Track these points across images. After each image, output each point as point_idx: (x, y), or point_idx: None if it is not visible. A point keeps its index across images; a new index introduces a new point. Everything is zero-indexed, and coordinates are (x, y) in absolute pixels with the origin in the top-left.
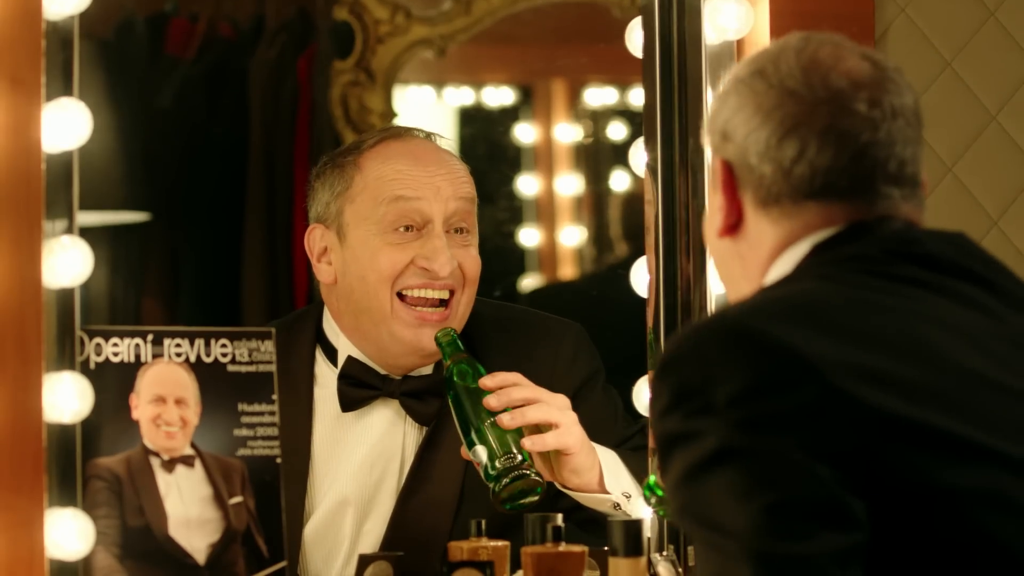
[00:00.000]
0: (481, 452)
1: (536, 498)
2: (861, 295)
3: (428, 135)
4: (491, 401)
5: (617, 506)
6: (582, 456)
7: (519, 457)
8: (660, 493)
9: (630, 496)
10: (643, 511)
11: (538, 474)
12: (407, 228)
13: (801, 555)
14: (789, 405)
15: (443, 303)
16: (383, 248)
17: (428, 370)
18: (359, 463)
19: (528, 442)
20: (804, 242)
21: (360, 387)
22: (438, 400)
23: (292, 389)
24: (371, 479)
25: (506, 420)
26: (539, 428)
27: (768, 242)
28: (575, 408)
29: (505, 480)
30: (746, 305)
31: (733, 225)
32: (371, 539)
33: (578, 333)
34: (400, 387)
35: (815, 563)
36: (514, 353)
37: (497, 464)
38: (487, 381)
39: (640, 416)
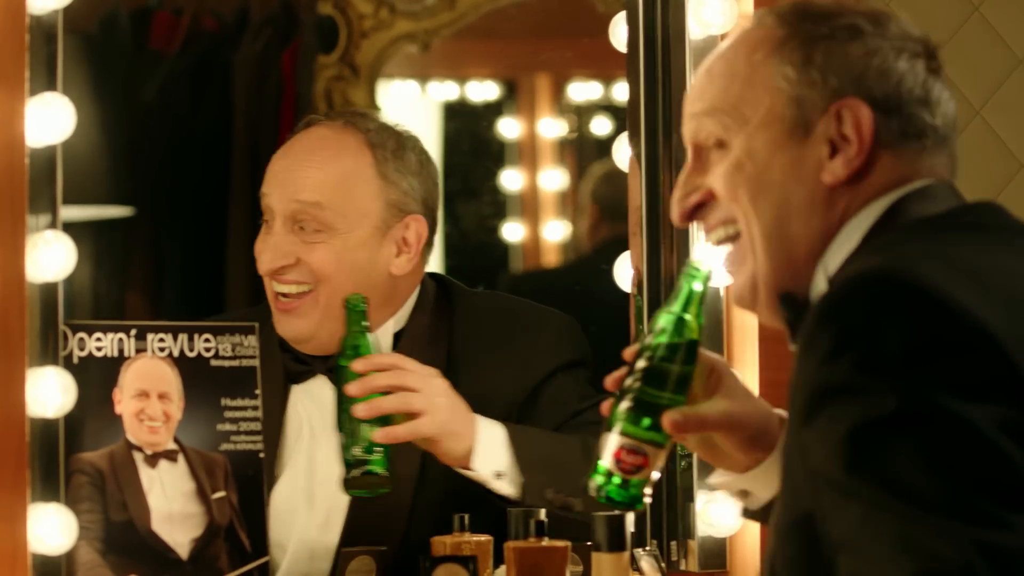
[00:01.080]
0: (340, 437)
1: (385, 491)
2: (1005, 260)
3: (348, 122)
4: (351, 388)
5: (499, 475)
6: (447, 443)
7: (363, 452)
8: (612, 480)
9: (501, 475)
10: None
11: (386, 468)
12: (265, 222)
13: (1002, 544)
14: (975, 375)
15: (303, 295)
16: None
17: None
18: (309, 435)
19: (378, 434)
20: (888, 196)
21: (297, 361)
22: None
23: (270, 378)
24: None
25: (360, 411)
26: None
27: (875, 187)
28: (540, 392)
29: (354, 472)
30: (910, 257)
31: (857, 170)
32: (331, 507)
33: (568, 324)
34: (325, 364)
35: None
36: (494, 337)
37: (347, 455)
38: (358, 364)
39: None
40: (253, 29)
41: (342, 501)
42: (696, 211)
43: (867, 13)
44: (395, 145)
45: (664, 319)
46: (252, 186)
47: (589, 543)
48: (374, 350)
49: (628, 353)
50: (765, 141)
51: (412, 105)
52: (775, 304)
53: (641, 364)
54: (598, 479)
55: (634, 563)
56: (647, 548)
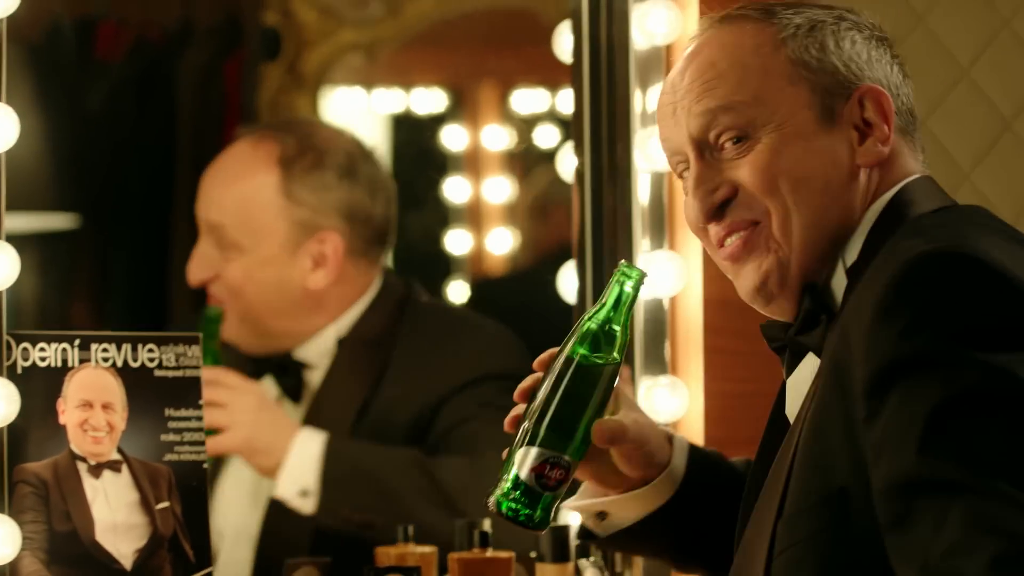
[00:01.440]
0: None
1: None
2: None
3: (268, 136)
4: None
5: (304, 493)
6: (253, 459)
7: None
8: (528, 496)
9: (306, 493)
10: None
11: None
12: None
13: None
14: None
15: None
16: None
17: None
18: None
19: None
20: (895, 188)
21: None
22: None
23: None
24: None
25: None
26: None
27: (896, 172)
28: (457, 396)
29: None
30: (963, 239)
31: (886, 154)
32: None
33: (497, 336)
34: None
35: None
36: (430, 345)
37: None
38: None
39: None
40: (197, 39)
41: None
42: (723, 205)
43: (828, 5)
44: (312, 161)
45: (590, 328)
46: (195, 196)
47: (533, 554)
48: (219, 362)
49: (542, 363)
50: (797, 130)
51: (357, 114)
52: (797, 293)
53: (563, 375)
54: (511, 494)
55: (578, 574)
56: (591, 559)
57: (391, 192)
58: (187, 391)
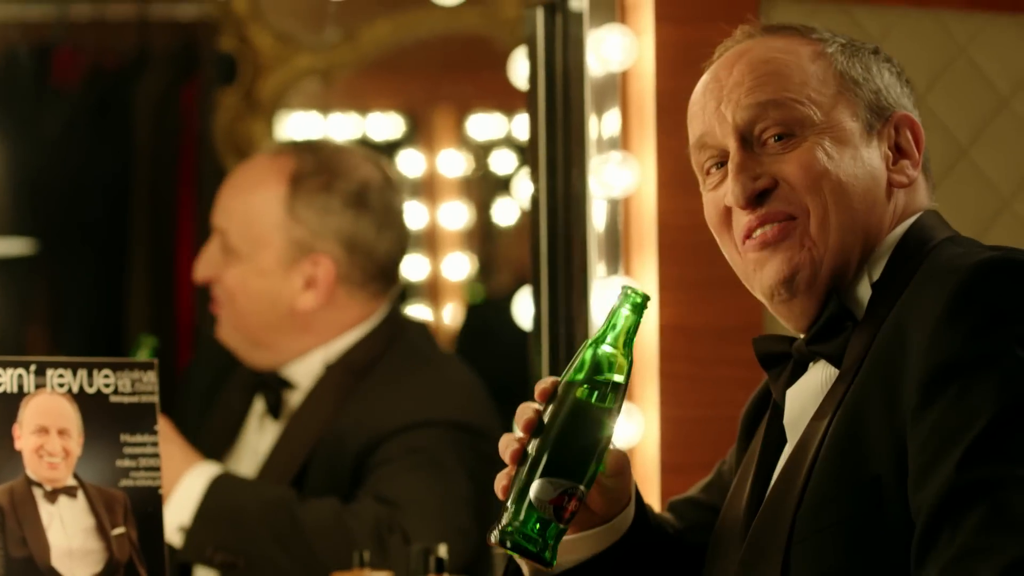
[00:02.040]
0: None
1: None
2: None
3: (287, 151)
4: None
5: (182, 528)
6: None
7: None
8: (543, 528)
9: (183, 528)
10: None
11: None
12: None
13: None
14: None
15: (223, 309)
16: None
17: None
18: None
19: None
20: (914, 216)
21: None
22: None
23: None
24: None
25: None
26: None
27: (917, 200)
28: (397, 436)
29: None
30: (1009, 250)
31: (915, 180)
32: None
33: (458, 384)
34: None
35: None
36: (391, 383)
37: None
38: None
39: None
40: (153, 65)
41: None
42: (760, 196)
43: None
44: (322, 183)
45: (596, 353)
46: (152, 221)
47: None
48: None
49: (544, 392)
50: (844, 137)
51: (313, 139)
52: (821, 297)
53: (576, 403)
54: (526, 527)
55: None
56: None
57: (403, 231)
58: (142, 417)
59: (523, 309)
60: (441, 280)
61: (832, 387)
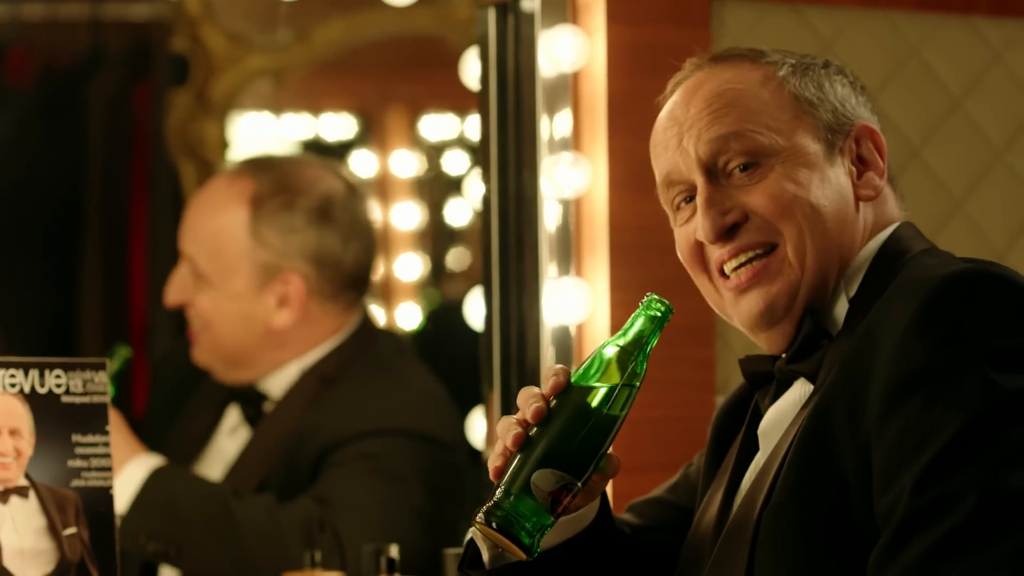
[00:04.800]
0: None
1: None
2: None
3: (245, 172)
4: None
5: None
6: None
7: None
8: (535, 520)
9: (120, 517)
10: None
11: None
12: None
13: None
14: None
15: (200, 332)
16: None
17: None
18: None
19: None
20: (888, 228)
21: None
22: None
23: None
24: None
25: None
26: None
27: (888, 212)
28: (354, 442)
29: None
30: (987, 264)
31: (882, 190)
32: None
33: (419, 395)
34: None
35: None
36: (357, 389)
37: None
38: None
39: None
40: (106, 66)
41: None
42: (731, 229)
43: (806, 53)
44: (283, 202)
45: (616, 355)
46: (105, 222)
47: None
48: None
49: (557, 386)
50: (807, 160)
51: (266, 140)
52: (798, 319)
53: (592, 401)
54: (519, 514)
55: None
56: None
57: (370, 239)
58: (94, 417)
59: (474, 309)
60: (394, 280)
61: (807, 400)
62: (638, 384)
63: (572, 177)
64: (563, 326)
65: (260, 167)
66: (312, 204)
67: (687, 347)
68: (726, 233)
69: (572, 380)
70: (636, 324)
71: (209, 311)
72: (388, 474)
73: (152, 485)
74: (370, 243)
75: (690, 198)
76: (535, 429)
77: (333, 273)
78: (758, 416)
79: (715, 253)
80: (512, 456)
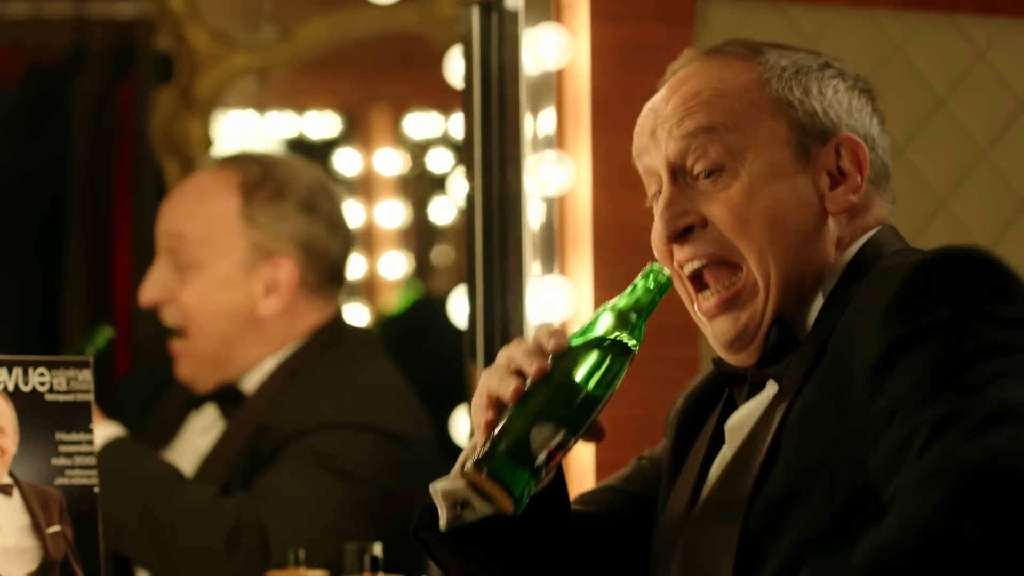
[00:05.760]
0: None
1: None
2: None
3: (228, 165)
4: None
5: None
6: None
7: None
8: (530, 473)
9: None
10: None
11: None
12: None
13: None
14: None
15: (181, 343)
16: None
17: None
18: None
19: None
20: (869, 234)
21: None
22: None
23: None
24: None
25: None
26: None
27: (869, 219)
28: (309, 435)
29: None
30: (949, 246)
31: (856, 204)
32: None
33: (381, 393)
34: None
35: None
36: (320, 383)
37: None
38: None
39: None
40: (91, 64)
41: None
42: (683, 234)
43: (814, 50)
44: (272, 191)
45: (620, 315)
46: (89, 219)
47: None
48: None
49: (560, 346)
50: (772, 165)
51: (250, 138)
52: (767, 330)
53: (597, 358)
54: (513, 466)
55: None
56: None
57: (348, 233)
58: (78, 415)
59: (458, 307)
60: (378, 279)
61: (773, 398)
62: (636, 348)
63: (556, 175)
64: (547, 324)
65: (243, 160)
66: (299, 194)
67: (670, 346)
68: (681, 235)
69: (572, 339)
70: (637, 290)
71: (194, 305)
72: (335, 470)
73: (104, 455)
74: (348, 238)
75: (660, 192)
76: (531, 386)
77: (320, 263)
78: (729, 409)
79: (676, 254)
80: (505, 409)
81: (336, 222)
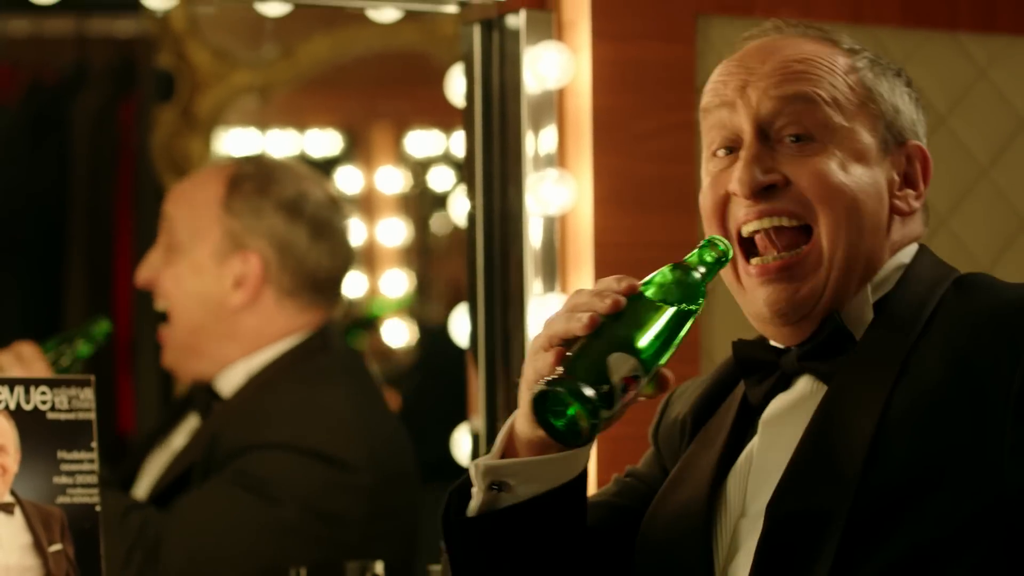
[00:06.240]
0: None
1: None
2: None
3: (223, 162)
4: None
5: None
6: None
7: None
8: (600, 400)
9: None
10: None
11: None
12: None
13: None
14: None
15: (166, 327)
16: None
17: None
18: None
19: None
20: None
21: None
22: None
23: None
24: None
25: None
26: None
27: (913, 231)
28: (257, 451)
29: None
30: None
31: (916, 210)
32: None
33: (310, 402)
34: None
35: None
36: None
37: None
38: None
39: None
40: (92, 82)
41: None
42: (767, 189)
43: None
44: (257, 187)
45: (690, 272)
46: (89, 237)
47: None
48: (72, 368)
49: (632, 286)
50: (861, 150)
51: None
52: (821, 319)
53: (665, 300)
54: (588, 393)
55: None
56: None
57: (342, 247)
58: (79, 434)
59: (459, 326)
60: (379, 296)
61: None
62: (702, 301)
63: (557, 193)
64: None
65: (246, 160)
66: (285, 195)
67: (671, 363)
68: (761, 191)
69: (646, 283)
70: (703, 252)
71: (171, 287)
72: (255, 490)
73: None
74: (340, 252)
75: (730, 149)
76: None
77: (294, 266)
78: (747, 405)
79: (740, 211)
80: (578, 341)
81: (324, 233)
